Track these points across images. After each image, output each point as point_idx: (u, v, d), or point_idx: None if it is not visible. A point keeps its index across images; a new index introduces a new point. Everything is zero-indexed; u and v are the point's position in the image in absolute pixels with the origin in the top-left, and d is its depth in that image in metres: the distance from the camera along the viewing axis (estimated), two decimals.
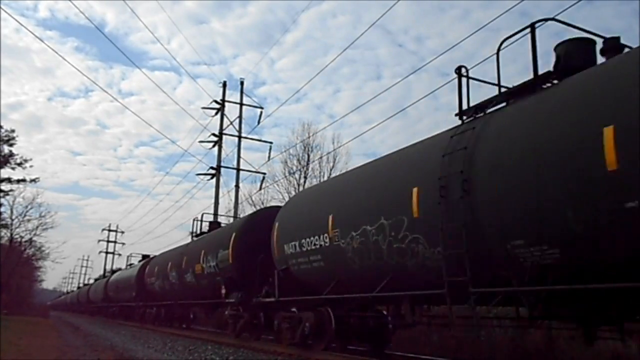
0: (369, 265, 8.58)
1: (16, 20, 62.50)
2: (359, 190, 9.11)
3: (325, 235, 9.73)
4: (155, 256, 26.62)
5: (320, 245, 9.92)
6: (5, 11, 44.68)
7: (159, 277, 22.52)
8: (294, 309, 11.93)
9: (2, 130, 38.77)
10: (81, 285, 77.01)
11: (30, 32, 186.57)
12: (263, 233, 13.90)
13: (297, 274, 11.08)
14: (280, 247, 11.56)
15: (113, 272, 43.54)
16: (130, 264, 34.29)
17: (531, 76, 6.71)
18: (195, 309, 22.74)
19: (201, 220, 19.92)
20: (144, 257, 32.91)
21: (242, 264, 14.15)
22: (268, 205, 27.52)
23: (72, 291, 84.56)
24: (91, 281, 61.45)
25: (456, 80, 7.58)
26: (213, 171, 27.21)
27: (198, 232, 21.08)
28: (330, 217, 9.63)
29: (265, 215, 14.60)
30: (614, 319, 6.03)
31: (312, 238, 10.20)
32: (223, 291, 14.57)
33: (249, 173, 27.56)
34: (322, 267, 10.03)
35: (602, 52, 6.45)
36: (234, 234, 14.69)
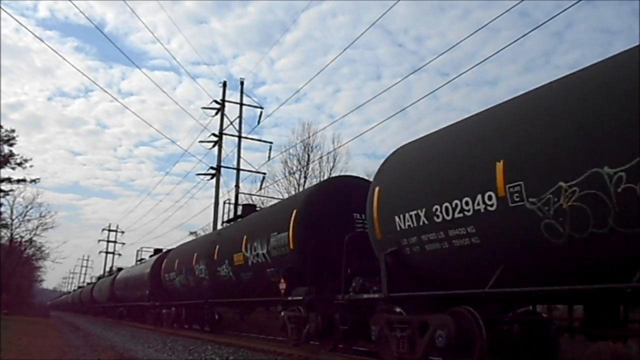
0: (600, 236, 5.00)
1: (16, 20, 59.22)
2: (576, 108, 5.44)
3: (489, 194, 6.10)
4: (173, 248, 22.98)
5: (476, 212, 6.31)
6: (5, 11, 41.73)
7: (181, 272, 18.88)
8: (398, 309, 8.35)
9: (2, 130, 38.16)
10: (82, 284, 73.55)
11: (30, 31, 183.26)
12: (339, 207, 10.42)
13: (415, 259, 7.49)
14: (385, 222, 7.94)
15: (119, 269, 39.88)
16: (141, 259, 30.62)
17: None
18: (221, 309, 19.19)
19: (235, 204, 16.33)
20: (157, 251, 29.27)
21: (309, 250, 10.53)
22: (269, 205, 26.13)
23: (74, 290, 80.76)
24: (94, 279, 57.85)
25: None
26: (213, 171, 26.52)
27: (227, 217, 17.50)
28: (499, 165, 6.02)
29: (340, 184, 11.08)
30: None
31: (455, 203, 6.60)
32: (282, 286, 10.96)
33: (249, 173, 26.73)
34: (474, 245, 6.42)
35: None
36: (294, 211, 11.07)
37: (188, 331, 17.98)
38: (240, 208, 17.01)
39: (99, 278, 51.61)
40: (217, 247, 15.46)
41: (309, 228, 10.73)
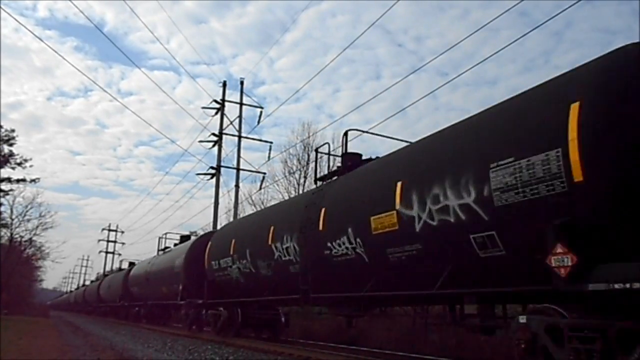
0: None
1: (16, 19, 55.84)
2: None
3: None
4: (222, 226, 17.00)
5: None
6: (5, 11, 41.30)
7: (243, 257, 12.91)
8: None
9: (2, 130, 37.61)
10: (85, 283, 67.72)
11: (30, 31, 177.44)
12: None
13: None
14: None
15: (132, 264, 33.85)
16: (164, 249, 24.57)
17: None
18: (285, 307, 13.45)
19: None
20: (184, 237, 23.38)
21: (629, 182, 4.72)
22: (269, 205, 23.78)
23: (77, 289, 74.39)
24: (99, 276, 51.79)
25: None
26: (213, 171, 25.98)
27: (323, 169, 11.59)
28: None
29: None
30: None
31: None
32: (565, 263, 5.06)
33: (249, 173, 26.45)
34: None
35: None
36: (573, 107, 5.20)
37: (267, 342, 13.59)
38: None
39: (105, 275, 45.61)
40: (324, 210, 9.57)
41: (622, 137, 4.87)
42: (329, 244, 9.21)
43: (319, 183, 11.25)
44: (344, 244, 8.78)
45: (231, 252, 13.62)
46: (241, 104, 27.53)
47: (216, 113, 27.27)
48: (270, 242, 11.43)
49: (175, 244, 23.74)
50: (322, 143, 11.10)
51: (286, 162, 28.61)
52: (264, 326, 14.94)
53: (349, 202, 8.92)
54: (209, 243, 15.82)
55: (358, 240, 8.41)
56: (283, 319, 14.70)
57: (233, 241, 13.70)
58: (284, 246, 10.81)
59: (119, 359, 10.10)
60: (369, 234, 8.11)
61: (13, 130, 38.82)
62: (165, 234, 24.42)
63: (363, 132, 10.73)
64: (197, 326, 17.25)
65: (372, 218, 8.02)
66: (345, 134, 10.27)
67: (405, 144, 9.96)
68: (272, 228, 11.53)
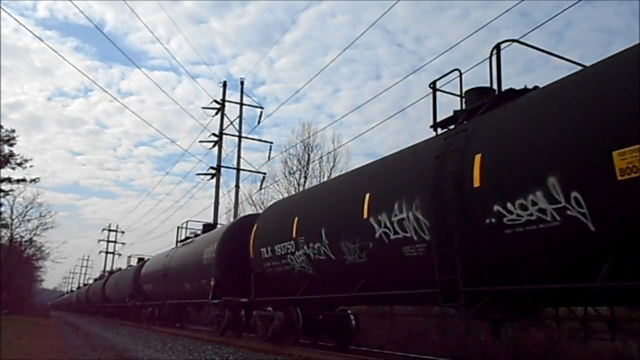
0: None
1: (16, 19, 53.65)
2: None
3: None
4: (275, 203, 13.37)
5: None
6: (5, 11, 40.38)
7: (312, 241, 9.27)
8: None
9: (2, 130, 36.89)
10: (87, 283, 64.40)
11: (30, 31, 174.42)
12: None
13: None
14: None
15: (141, 260, 30.27)
16: (184, 239, 20.90)
17: None
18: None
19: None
20: (207, 226, 19.86)
21: None
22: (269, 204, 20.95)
23: (79, 288, 70.70)
24: (104, 275, 48.25)
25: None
26: (213, 171, 25.72)
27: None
28: None
29: None
30: None
31: None
32: None
33: (249, 173, 26.14)
34: None
35: None
36: None
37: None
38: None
39: (111, 273, 42.03)
40: (478, 157, 6.08)
41: None
42: (495, 208, 5.73)
43: (439, 130, 7.77)
44: (534, 204, 5.30)
45: (293, 235, 10.13)
46: (241, 104, 27.10)
47: (216, 113, 26.73)
48: (366, 215, 7.94)
49: (197, 235, 20.22)
50: (436, 77, 7.49)
51: (286, 162, 28.03)
52: (328, 331, 11.51)
53: (543, 137, 5.42)
54: (255, 226, 12.30)
55: (574, 195, 4.92)
56: (353, 322, 11.22)
57: (296, 220, 10.20)
58: (395, 219, 7.32)
59: (119, 359, 9.91)
60: (605, 182, 4.64)
61: (13, 131, 38.03)
62: (187, 221, 20.83)
63: (518, 42, 7.18)
64: (234, 331, 13.71)
65: (616, 153, 4.55)
66: (497, 47, 6.75)
67: (580, 68, 6.58)
68: (367, 196, 8.03)
